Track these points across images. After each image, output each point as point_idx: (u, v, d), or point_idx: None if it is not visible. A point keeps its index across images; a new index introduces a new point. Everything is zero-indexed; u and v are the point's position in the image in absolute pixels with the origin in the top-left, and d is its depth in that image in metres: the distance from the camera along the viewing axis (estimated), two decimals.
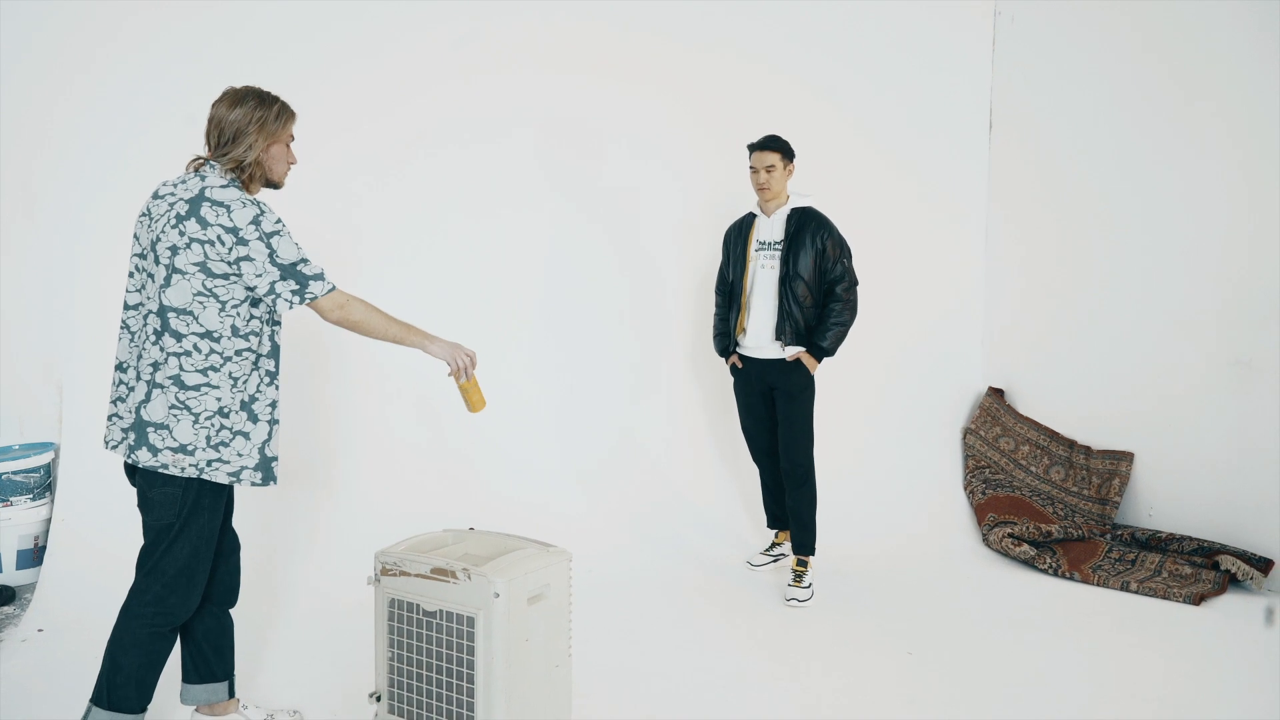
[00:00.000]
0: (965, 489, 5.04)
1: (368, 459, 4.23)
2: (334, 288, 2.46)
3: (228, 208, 2.33)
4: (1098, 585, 4.15)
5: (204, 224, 2.32)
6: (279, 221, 2.40)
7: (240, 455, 2.43)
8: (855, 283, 3.91)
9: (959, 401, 5.40)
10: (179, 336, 2.36)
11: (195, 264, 2.33)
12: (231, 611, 2.69)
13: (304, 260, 2.41)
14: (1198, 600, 3.91)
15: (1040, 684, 3.16)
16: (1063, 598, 4.01)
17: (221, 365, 2.39)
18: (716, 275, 4.21)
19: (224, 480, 2.42)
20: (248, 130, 2.42)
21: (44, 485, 3.90)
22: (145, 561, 2.43)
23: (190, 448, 2.37)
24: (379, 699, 2.57)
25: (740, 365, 4.07)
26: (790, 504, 3.99)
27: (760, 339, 3.96)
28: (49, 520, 3.87)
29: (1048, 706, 2.99)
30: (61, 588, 3.64)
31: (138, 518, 2.46)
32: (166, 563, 2.41)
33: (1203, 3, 4.38)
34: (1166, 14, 4.54)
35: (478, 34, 4.47)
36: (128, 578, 2.47)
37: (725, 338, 4.13)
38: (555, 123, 4.63)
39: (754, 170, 3.92)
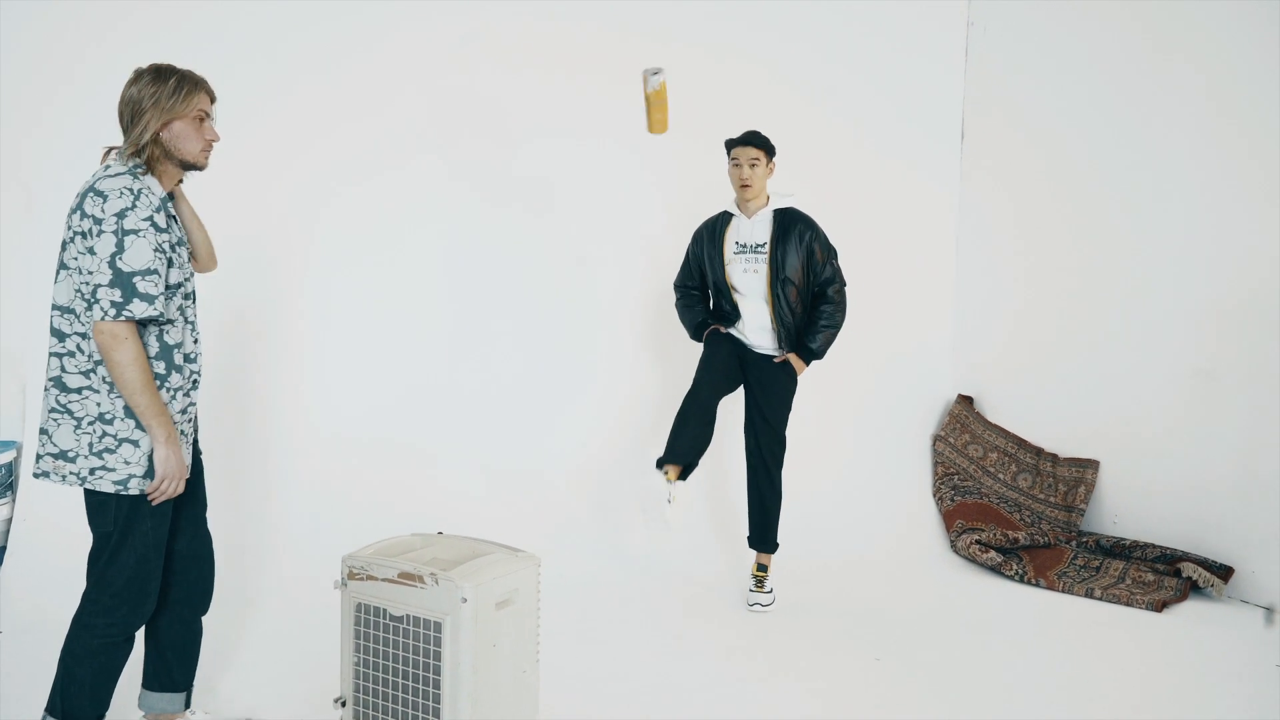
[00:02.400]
0: (934, 495, 5.08)
1: (334, 461, 4.18)
2: (138, 318, 2.18)
3: (105, 197, 2.16)
4: (1063, 592, 4.19)
5: (83, 215, 2.18)
6: (148, 222, 2.18)
7: (128, 463, 2.25)
8: (845, 283, 3.83)
9: (928, 408, 5.44)
10: (62, 336, 2.24)
11: (74, 258, 2.19)
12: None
13: (148, 274, 2.17)
14: (1160, 607, 3.96)
15: (1006, 690, 3.18)
16: (1028, 604, 4.06)
17: (98, 368, 2.23)
18: (679, 272, 4.04)
19: (109, 489, 2.24)
20: (144, 108, 2.24)
21: (5, 484, 3.84)
22: (92, 569, 2.34)
23: (71, 454, 2.23)
24: (344, 704, 2.54)
25: (723, 331, 3.88)
26: (758, 498, 3.88)
27: (753, 341, 3.85)
28: (9, 520, 3.81)
29: (1013, 712, 3.02)
30: (22, 589, 3.59)
31: None
32: (112, 573, 2.31)
33: (1176, 11, 4.43)
34: (1137, 24, 4.60)
35: (474, 35, 4.45)
36: None
37: (703, 317, 3.93)
38: (522, 121, 4.60)
39: (736, 165, 3.73)
